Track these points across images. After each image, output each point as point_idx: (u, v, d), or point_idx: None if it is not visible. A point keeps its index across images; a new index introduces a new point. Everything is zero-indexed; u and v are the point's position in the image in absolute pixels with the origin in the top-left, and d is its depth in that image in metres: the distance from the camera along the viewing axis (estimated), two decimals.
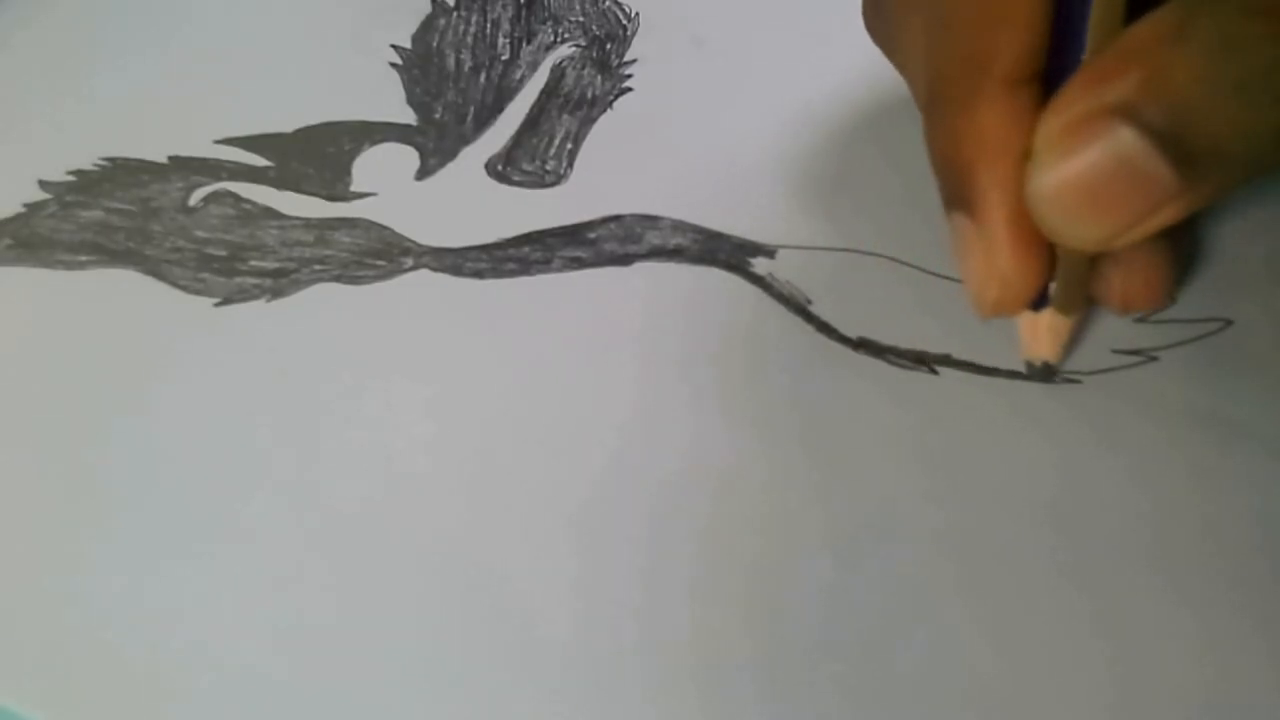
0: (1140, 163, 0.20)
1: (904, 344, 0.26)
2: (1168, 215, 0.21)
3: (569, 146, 0.30)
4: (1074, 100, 0.21)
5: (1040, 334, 0.25)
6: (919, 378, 0.26)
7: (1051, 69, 0.22)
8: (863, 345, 0.26)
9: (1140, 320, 0.26)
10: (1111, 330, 0.26)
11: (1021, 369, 0.26)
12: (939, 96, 0.23)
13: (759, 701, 0.22)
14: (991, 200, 0.22)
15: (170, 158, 0.31)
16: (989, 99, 0.22)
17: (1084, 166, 0.21)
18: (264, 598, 0.23)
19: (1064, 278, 0.24)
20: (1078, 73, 0.21)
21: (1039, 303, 0.24)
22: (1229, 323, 0.26)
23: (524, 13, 0.34)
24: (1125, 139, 0.20)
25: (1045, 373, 0.25)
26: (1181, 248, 0.26)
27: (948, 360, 0.26)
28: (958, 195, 0.23)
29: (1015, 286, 0.23)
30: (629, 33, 0.33)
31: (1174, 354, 0.26)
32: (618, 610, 0.23)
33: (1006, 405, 0.25)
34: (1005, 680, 0.22)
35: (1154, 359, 0.26)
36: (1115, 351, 0.26)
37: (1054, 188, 0.21)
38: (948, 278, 0.27)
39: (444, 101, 0.32)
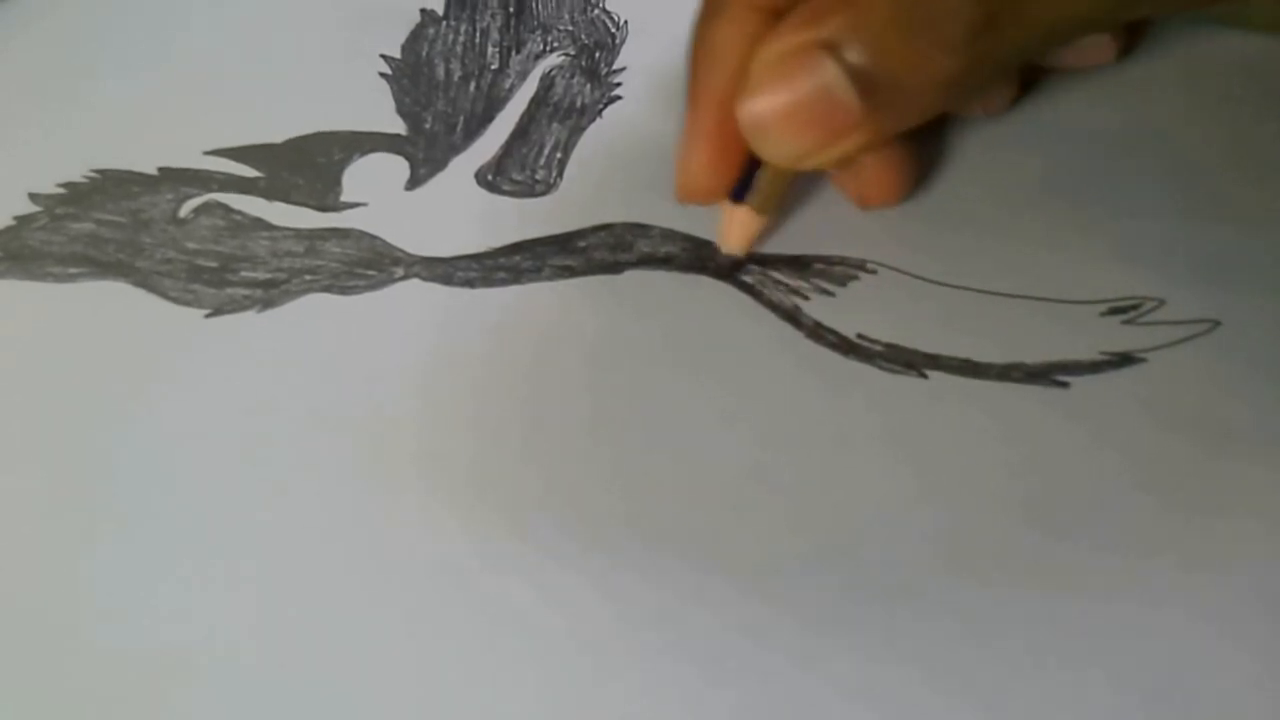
0: (836, 93, 0.23)
1: (893, 349, 0.26)
2: (854, 141, 0.24)
3: (559, 155, 0.31)
4: (790, 33, 0.24)
5: (732, 227, 0.27)
6: (908, 382, 0.26)
7: None
8: (852, 350, 0.26)
9: (1128, 321, 0.26)
10: (1100, 332, 0.26)
11: (1010, 368, 0.26)
12: (700, 7, 0.27)
13: (753, 704, 0.22)
14: (701, 103, 0.26)
15: (160, 169, 0.31)
16: (728, 17, 0.26)
17: (790, 92, 0.24)
18: (257, 605, 0.23)
19: (762, 181, 0.26)
20: (795, 9, 0.24)
21: (738, 197, 0.27)
22: (1217, 323, 0.26)
23: (513, 22, 0.34)
24: (828, 71, 0.23)
25: (730, 267, 0.27)
26: (915, 154, 0.28)
27: (937, 364, 0.26)
28: (689, 92, 0.26)
29: (701, 180, 0.27)
30: (618, 41, 0.33)
31: (1162, 355, 0.26)
32: (609, 614, 0.23)
33: (996, 408, 0.25)
34: (998, 680, 0.22)
35: (1142, 360, 0.26)
36: (1104, 353, 0.26)
37: (761, 109, 0.24)
38: (936, 282, 0.27)
39: (434, 111, 0.32)
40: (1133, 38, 0.30)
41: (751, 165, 0.26)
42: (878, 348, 0.26)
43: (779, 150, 0.25)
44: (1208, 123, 0.30)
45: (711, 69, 0.26)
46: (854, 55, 0.23)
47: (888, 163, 0.27)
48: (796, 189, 0.28)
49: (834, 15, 0.23)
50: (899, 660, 0.22)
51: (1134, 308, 0.27)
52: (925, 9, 0.23)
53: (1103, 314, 0.27)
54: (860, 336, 0.27)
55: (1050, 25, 0.24)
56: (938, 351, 0.26)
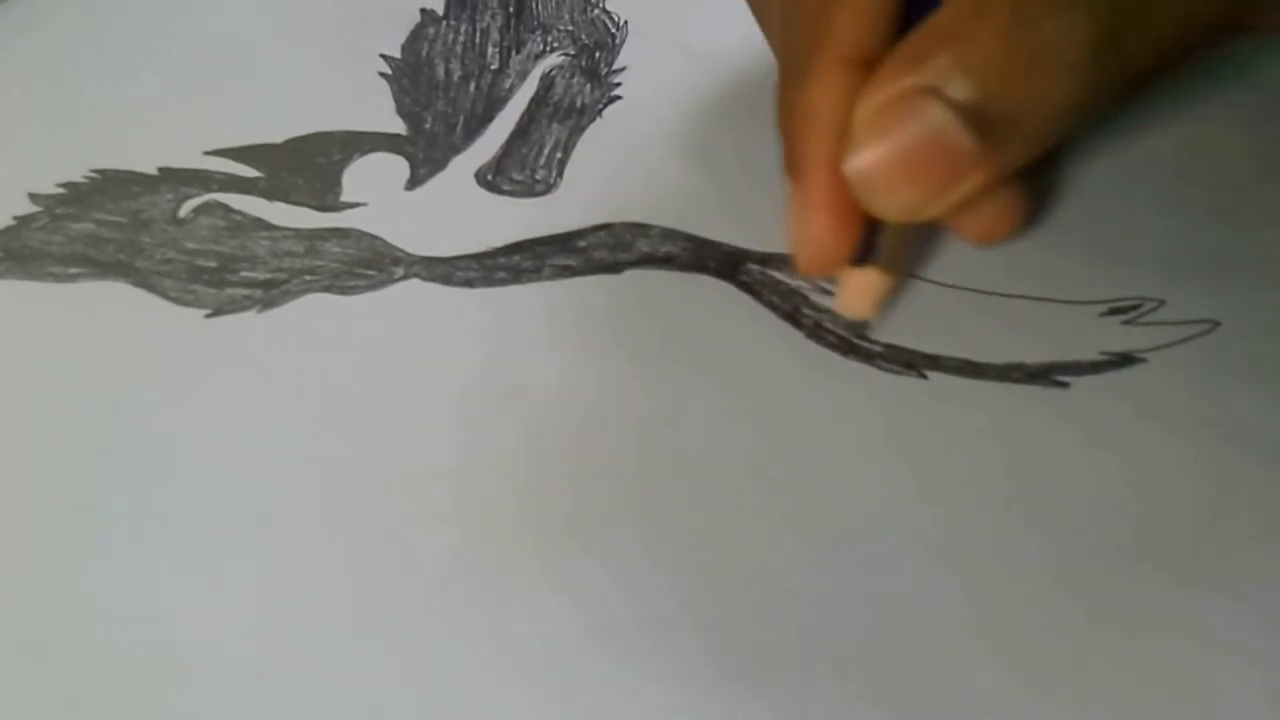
0: (948, 136, 0.22)
1: (893, 349, 0.26)
2: (971, 184, 0.22)
3: (559, 155, 0.31)
4: (887, 81, 0.22)
5: (858, 292, 0.26)
6: (909, 382, 0.26)
7: None
8: (852, 350, 0.26)
9: (1128, 322, 0.26)
10: (1099, 332, 0.26)
11: (1010, 369, 0.26)
12: (784, 68, 0.25)
13: (752, 701, 0.22)
14: (811, 170, 0.24)
15: (160, 169, 0.31)
16: (821, 76, 0.24)
17: (896, 143, 0.22)
18: (256, 605, 0.23)
19: (885, 240, 0.25)
20: (891, 55, 0.23)
21: (863, 259, 0.25)
22: (1216, 324, 0.26)
23: (513, 22, 0.34)
24: (934, 115, 0.22)
25: (857, 329, 0.26)
26: (1035, 179, 0.27)
27: (936, 364, 0.26)
28: (788, 159, 0.25)
29: (825, 250, 0.25)
30: (618, 41, 0.33)
31: (1162, 355, 0.26)
32: (610, 613, 0.23)
33: (995, 409, 0.25)
34: (998, 681, 0.22)
35: (1142, 361, 0.26)
36: (1103, 353, 0.26)
37: (868, 164, 0.22)
38: (936, 283, 0.27)
39: (434, 111, 0.32)
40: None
41: (872, 224, 0.24)
42: (877, 348, 0.26)
43: (893, 205, 0.23)
44: (1208, 123, 0.30)
45: (811, 133, 0.24)
46: (963, 93, 0.22)
47: (1010, 195, 0.26)
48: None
49: (936, 53, 0.22)
50: (898, 660, 0.22)
51: (1134, 308, 0.27)
52: (1039, 33, 0.21)
53: (1102, 314, 0.27)
54: (860, 337, 0.26)
55: (1174, 32, 0.22)
56: (937, 352, 0.26)
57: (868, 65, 0.23)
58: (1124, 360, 0.26)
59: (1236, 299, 0.27)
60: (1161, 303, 0.27)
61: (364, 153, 0.31)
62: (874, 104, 0.22)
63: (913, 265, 0.27)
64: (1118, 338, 0.26)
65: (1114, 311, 0.27)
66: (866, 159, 0.22)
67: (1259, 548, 0.23)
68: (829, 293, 0.27)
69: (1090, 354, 0.26)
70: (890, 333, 0.27)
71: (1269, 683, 0.22)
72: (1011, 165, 0.23)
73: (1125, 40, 0.21)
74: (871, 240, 0.25)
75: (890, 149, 0.22)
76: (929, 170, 0.22)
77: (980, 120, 0.22)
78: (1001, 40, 0.21)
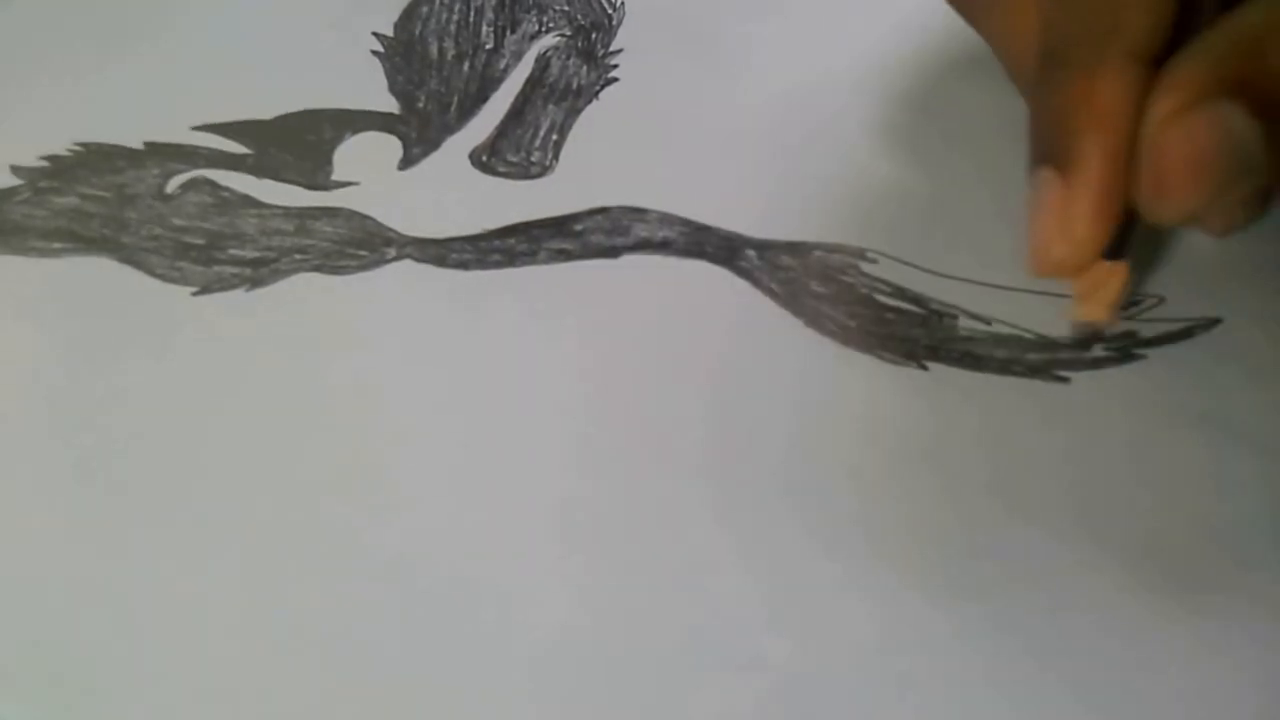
0: (1246, 144, 0.22)
1: (893, 339, 0.26)
2: (1245, 188, 0.23)
3: (554, 137, 0.30)
4: (1191, 80, 0.22)
5: (1102, 291, 0.24)
6: (908, 373, 0.26)
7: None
8: (852, 340, 0.26)
9: (1128, 317, 0.26)
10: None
11: (1010, 362, 0.26)
12: (1059, 58, 0.24)
13: (756, 702, 0.22)
14: (1090, 164, 0.23)
15: (146, 143, 0.30)
16: (1110, 68, 0.23)
17: (1197, 148, 0.22)
18: (244, 585, 0.23)
19: (1131, 239, 0.24)
20: (1191, 53, 0.22)
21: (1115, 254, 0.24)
22: (1217, 320, 0.26)
23: (508, 1, 0.33)
24: (1236, 122, 0.22)
25: (1092, 337, 0.26)
26: None
27: (937, 355, 0.26)
28: (1054, 152, 0.24)
29: (1083, 249, 0.23)
30: (615, 22, 0.33)
31: (1162, 351, 0.26)
32: (603, 606, 0.23)
33: (994, 402, 0.25)
34: (999, 675, 0.22)
35: (1142, 357, 0.26)
36: (1104, 349, 0.26)
37: (1168, 166, 0.22)
38: (936, 273, 0.27)
39: (427, 90, 0.31)
40: None
41: (1126, 224, 0.24)
42: (878, 337, 0.26)
43: (1177, 208, 0.23)
44: None
45: (1095, 127, 0.23)
46: (1260, 99, 0.22)
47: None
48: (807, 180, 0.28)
49: (1238, 60, 0.22)
50: (896, 652, 0.22)
51: (1134, 304, 0.26)
52: None
53: None
54: (860, 326, 0.26)
55: None
56: (938, 343, 0.26)
57: (1156, 64, 0.23)
58: (1125, 356, 0.26)
59: (1237, 296, 0.26)
60: (1162, 299, 0.26)
61: (355, 131, 0.30)
62: (1175, 103, 0.22)
63: (782, 195, 0.28)
64: (1118, 334, 0.26)
65: None
66: (1166, 160, 0.22)
67: (1259, 544, 0.23)
68: (830, 282, 0.27)
69: (1091, 349, 0.26)
70: (890, 323, 0.26)
71: (1269, 681, 0.22)
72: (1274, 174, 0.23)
73: None
74: (1122, 241, 0.24)
75: (1190, 151, 0.22)
76: (1219, 174, 0.22)
77: (1272, 129, 0.22)
78: None
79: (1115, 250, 0.24)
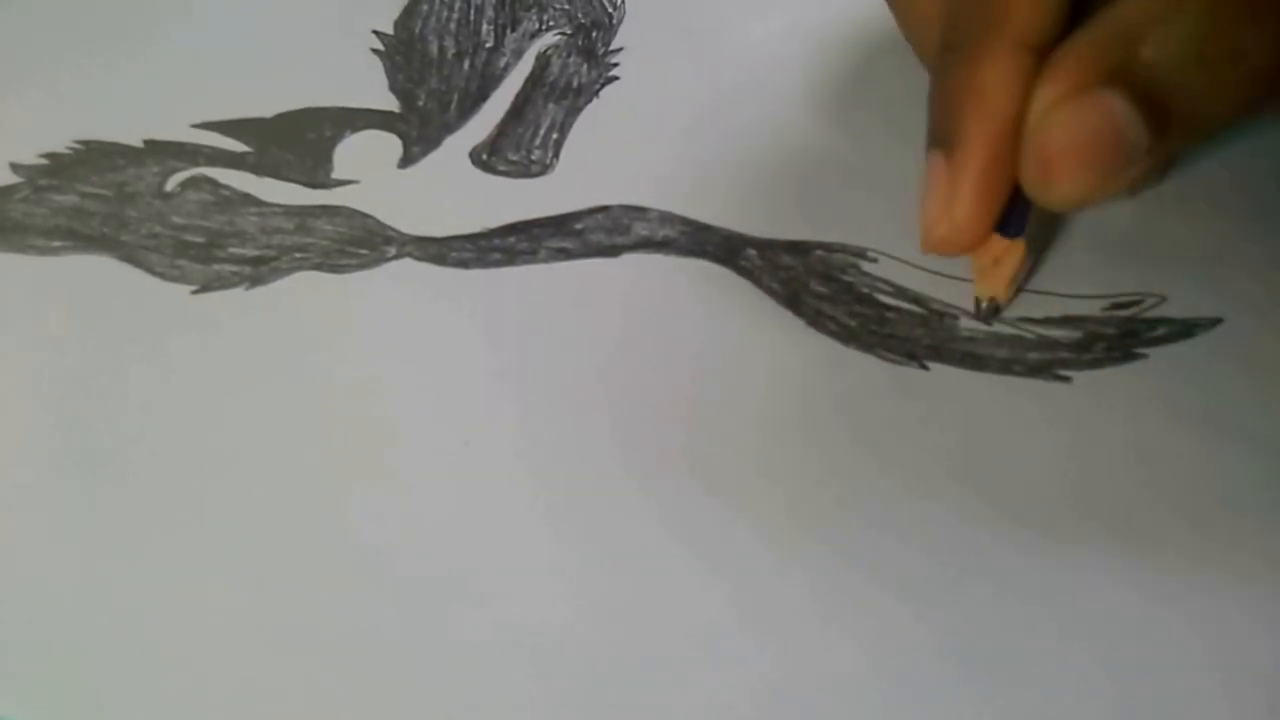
0: (1128, 129, 0.22)
1: (894, 338, 0.26)
2: (1132, 174, 0.23)
3: (555, 136, 0.30)
4: (1072, 69, 0.23)
5: (999, 268, 0.25)
6: (909, 373, 0.26)
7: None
8: (853, 339, 0.26)
9: (1130, 317, 0.26)
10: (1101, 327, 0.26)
11: (1011, 362, 0.26)
12: (950, 44, 0.25)
13: (759, 702, 0.22)
14: (972, 147, 0.24)
15: (146, 141, 0.30)
16: (996, 54, 0.24)
17: (1079, 133, 0.22)
18: (245, 586, 0.23)
19: (1032, 222, 0.25)
20: (1073, 43, 0.23)
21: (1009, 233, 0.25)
22: (1219, 320, 0.26)
23: None
24: (1117, 107, 0.22)
25: (992, 312, 0.26)
26: None
27: (938, 355, 0.26)
28: (941, 135, 0.24)
29: (966, 230, 0.24)
30: (615, 21, 0.33)
31: (1163, 351, 0.26)
32: (603, 604, 0.23)
33: (996, 402, 0.25)
34: (998, 675, 0.22)
35: (1143, 356, 0.26)
36: (1105, 349, 0.26)
37: (1051, 154, 0.23)
38: (938, 273, 0.27)
39: (427, 89, 0.31)
40: None
41: (1013, 206, 0.25)
42: (878, 337, 0.26)
43: (1063, 193, 0.23)
44: None
45: (977, 112, 0.24)
46: (1142, 87, 0.22)
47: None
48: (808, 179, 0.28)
49: (1118, 47, 0.22)
50: (897, 651, 0.22)
51: (1135, 303, 0.26)
52: (1232, 39, 0.22)
53: (1104, 309, 0.26)
54: (861, 325, 0.26)
55: None
56: (939, 343, 0.26)
57: (1041, 52, 0.23)
58: (1125, 355, 0.26)
59: (1238, 295, 0.26)
60: (1163, 298, 0.26)
61: (356, 129, 0.30)
62: (1057, 92, 0.23)
63: (785, 196, 0.28)
64: (1119, 334, 0.26)
65: (1116, 307, 0.26)
66: (1050, 149, 0.23)
67: (1260, 543, 0.23)
68: (831, 281, 0.27)
69: (1092, 349, 0.26)
70: (891, 322, 0.26)
71: (1269, 679, 0.22)
72: (1174, 152, 0.24)
73: None
74: (1011, 222, 0.25)
75: (1073, 138, 0.22)
76: (1104, 160, 0.23)
77: (1158, 115, 0.22)
78: (1193, 41, 0.22)
79: (1013, 229, 0.25)
